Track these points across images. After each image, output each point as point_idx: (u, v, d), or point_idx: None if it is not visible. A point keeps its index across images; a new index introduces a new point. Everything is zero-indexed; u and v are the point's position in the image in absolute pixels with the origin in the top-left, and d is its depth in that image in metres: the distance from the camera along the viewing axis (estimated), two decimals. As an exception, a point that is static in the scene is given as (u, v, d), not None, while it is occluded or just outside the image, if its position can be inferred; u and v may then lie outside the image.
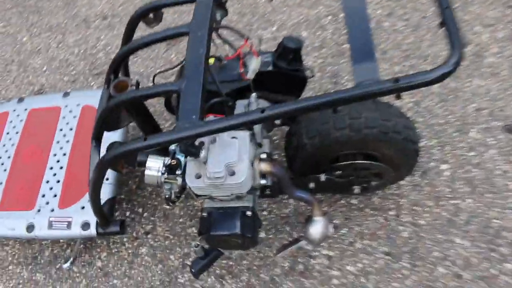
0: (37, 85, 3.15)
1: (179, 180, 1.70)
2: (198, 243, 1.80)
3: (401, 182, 2.26)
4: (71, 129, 2.33)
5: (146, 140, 1.43)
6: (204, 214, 1.73)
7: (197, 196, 1.70)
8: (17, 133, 2.39)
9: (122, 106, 1.77)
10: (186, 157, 1.69)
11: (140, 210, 2.45)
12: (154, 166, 1.70)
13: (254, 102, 1.83)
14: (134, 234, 2.37)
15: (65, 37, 3.42)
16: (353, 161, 1.91)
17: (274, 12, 3.12)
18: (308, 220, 1.81)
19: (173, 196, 1.73)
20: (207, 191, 1.63)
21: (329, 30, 2.93)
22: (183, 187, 1.72)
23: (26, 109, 2.47)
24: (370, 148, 1.86)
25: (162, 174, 1.70)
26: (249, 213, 1.70)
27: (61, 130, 2.35)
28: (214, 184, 1.57)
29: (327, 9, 3.05)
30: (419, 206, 2.19)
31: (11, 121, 2.44)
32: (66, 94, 2.47)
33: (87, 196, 2.11)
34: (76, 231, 2.03)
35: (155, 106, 2.84)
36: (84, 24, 3.47)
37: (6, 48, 3.47)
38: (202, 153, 1.56)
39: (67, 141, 2.30)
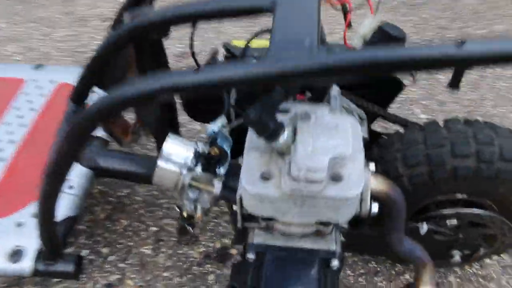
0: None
1: (217, 185, 0.88)
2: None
3: (486, 261, 1.51)
4: (32, 110, 1.47)
5: (199, 71, 0.63)
6: (250, 255, 0.88)
7: (245, 219, 0.87)
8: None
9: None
10: (235, 150, 0.88)
11: (106, 250, 1.54)
12: (178, 153, 0.87)
13: (337, 98, 1.07)
14: (89, 286, 1.43)
15: (53, 31, 2.65)
16: (469, 210, 1.17)
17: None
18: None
19: (199, 212, 0.89)
20: (275, 209, 0.81)
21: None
22: (218, 199, 0.89)
23: (-27, 76, 1.59)
24: (497, 192, 1.14)
25: (190, 170, 0.87)
26: (335, 263, 0.87)
27: (17, 109, 1.47)
28: (300, 194, 0.76)
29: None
30: (517, 299, 1.43)
31: None
32: (39, 67, 1.63)
33: (30, 208, 1.21)
34: (-2, 261, 1.10)
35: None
36: (80, 22, 2.73)
37: (-24, 31, 2.63)
38: (285, 134, 0.77)
39: (21, 125, 1.43)
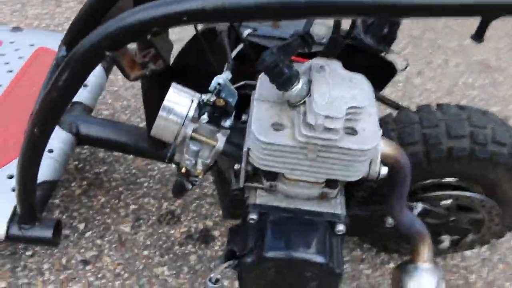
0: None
1: (221, 139, 0.82)
2: (218, 277, 0.85)
3: (466, 253, 1.51)
4: (10, 71, 1.36)
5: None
6: (252, 215, 0.82)
7: (248, 177, 0.81)
8: None
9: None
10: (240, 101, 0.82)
11: (81, 226, 1.44)
12: (182, 102, 0.81)
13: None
14: (64, 261, 1.32)
15: (24, 8, 2.50)
16: (462, 192, 1.16)
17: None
18: (402, 268, 0.97)
19: (199, 168, 0.83)
20: (285, 163, 0.76)
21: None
22: (219, 154, 0.83)
23: None
24: (487, 177, 1.13)
25: (193, 121, 0.81)
26: (340, 227, 0.82)
27: (-8, 69, 1.37)
28: (315, 144, 0.71)
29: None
30: (497, 288, 1.44)
31: None
32: (17, 29, 1.52)
33: (8, 168, 1.11)
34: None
35: (129, 100, 1.94)
36: (54, 1, 2.59)
37: None
38: (299, 84, 0.72)
39: (-2, 86, 1.32)
